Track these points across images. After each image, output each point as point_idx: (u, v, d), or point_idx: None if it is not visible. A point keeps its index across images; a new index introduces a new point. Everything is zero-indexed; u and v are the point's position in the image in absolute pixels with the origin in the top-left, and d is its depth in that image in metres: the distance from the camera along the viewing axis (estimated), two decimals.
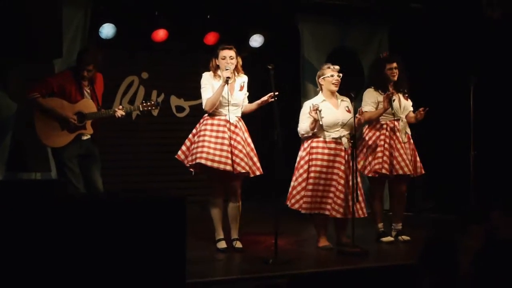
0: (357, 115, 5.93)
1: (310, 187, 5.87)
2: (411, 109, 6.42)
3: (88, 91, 5.85)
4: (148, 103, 6.01)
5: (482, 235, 4.06)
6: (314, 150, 5.91)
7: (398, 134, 6.26)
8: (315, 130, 5.88)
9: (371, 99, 6.27)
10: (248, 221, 6.22)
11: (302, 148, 6.02)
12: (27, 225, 4.03)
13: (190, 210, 6.48)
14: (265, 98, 5.78)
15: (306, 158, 5.93)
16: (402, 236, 6.32)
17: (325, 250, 5.97)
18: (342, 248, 5.92)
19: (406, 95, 6.33)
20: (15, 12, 4.28)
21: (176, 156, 5.91)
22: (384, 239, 6.30)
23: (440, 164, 7.16)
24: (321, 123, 5.83)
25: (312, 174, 5.88)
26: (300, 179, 5.93)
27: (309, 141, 5.96)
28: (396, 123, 6.29)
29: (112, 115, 5.85)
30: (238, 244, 5.88)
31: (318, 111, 5.78)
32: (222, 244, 5.86)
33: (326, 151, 5.90)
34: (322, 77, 5.99)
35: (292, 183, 6.00)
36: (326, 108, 5.86)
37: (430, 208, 7.90)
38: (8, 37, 4.28)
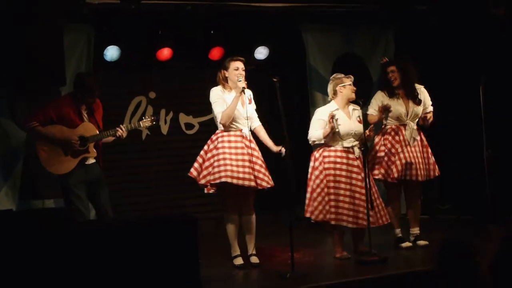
0: (366, 131, 5.88)
1: (332, 197, 5.80)
2: (430, 109, 6.35)
3: (86, 115, 5.81)
4: (149, 119, 5.96)
5: (501, 236, 3.99)
6: (327, 160, 5.86)
7: (402, 138, 6.20)
8: (327, 139, 5.83)
9: (375, 103, 6.24)
10: (262, 234, 6.19)
11: (313, 159, 5.96)
12: (39, 254, 4.03)
13: (205, 227, 6.50)
14: (274, 149, 5.81)
15: (320, 167, 5.87)
16: (420, 241, 6.26)
17: (343, 260, 5.92)
18: (360, 257, 5.87)
19: (417, 100, 6.25)
20: (16, 42, 4.29)
21: (189, 174, 5.88)
22: (403, 245, 6.25)
23: (455, 165, 7.09)
24: (337, 130, 5.77)
25: (331, 184, 5.82)
26: (318, 190, 5.85)
27: (320, 151, 5.92)
28: (401, 127, 6.23)
29: (113, 135, 5.81)
30: (255, 259, 5.84)
31: (335, 120, 5.72)
32: (239, 261, 5.82)
33: (338, 159, 5.85)
34: (342, 85, 5.94)
35: (309, 195, 5.93)
36: (340, 118, 5.83)
37: (447, 209, 7.82)
38: (10, 67, 4.29)
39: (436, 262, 3.49)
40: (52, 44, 4.51)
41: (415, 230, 6.33)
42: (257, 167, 5.71)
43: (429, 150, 6.32)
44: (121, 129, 5.75)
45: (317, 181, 5.87)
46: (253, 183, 5.67)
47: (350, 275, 5.56)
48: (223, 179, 5.63)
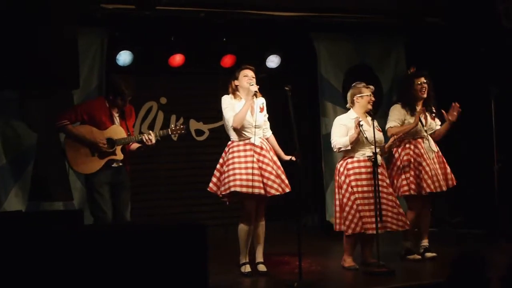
0: (390, 140, 5.90)
1: (360, 208, 5.79)
2: (438, 127, 6.35)
3: (118, 118, 5.88)
4: (178, 127, 5.98)
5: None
6: (352, 171, 5.85)
7: (422, 151, 6.18)
8: (353, 145, 5.82)
9: (396, 116, 6.22)
10: (271, 241, 6.17)
11: (337, 173, 5.95)
12: (48, 255, 4.03)
13: (213, 234, 6.50)
14: (285, 158, 5.86)
15: (347, 180, 5.85)
16: (428, 253, 6.23)
17: (351, 270, 5.90)
18: (368, 268, 5.85)
19: (433, 114, 6.25)
20: (30, 44, 4.30)
21: (208, 189, 5.88)
22: (411, 257, 6.22)
23: (465, 178, 7.05)
24: (365, 136, 5.77)
25: (357, 195, 5.80)
26: (350, 203, 5.82)
27: (344, 164, 5.90)
28: (419, 140, 6.22)
29: (140, 140, 5.84)
30: (262, 268, 5.83)
31: (360, 126, 5.72)
32: (247, 268, 5.81)
33: (363, 170, 5.84)
34: (359, 95, 5.94)
35: (338, 208, 5.89)
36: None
37: (457, 222, 7.79)
38: (25, 69, 4.30)
39: (448, 275, 3.48)
40: (67, 47, 4.50)
41: (425, 242, 6.31)
42: (266, 174, 5.71)
43: (444, 160, 6.31)
44: (149, 134, 5.78)
45: (347, 195, 5.84)
46: (262, 191, 5.67)
47: (357, 286, 5.54)
48: (232, 189, 5.65)
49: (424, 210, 6.34)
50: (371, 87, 5.99)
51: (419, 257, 6.23)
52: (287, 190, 5.82)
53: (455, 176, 6.35)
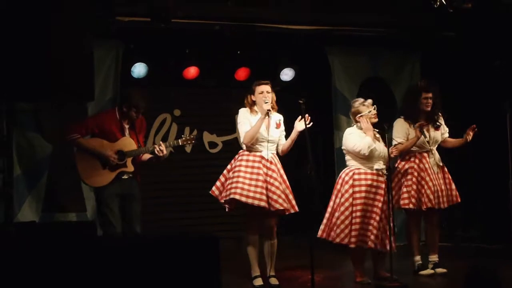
0: (391, 149, 5.86)
1: (357, 220, 5.76)
2: (447, 135, 6.33)
3: (128, 130, 5.89)
4: (189, 137, 6.00)
5: None
6: (357, 182, 5.83)
7: (427, 165, 6.16)
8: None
9: (401, 131, 6.19)
10: (283, 255, 6.17)
11: (340, 182, 5.93)
12: (61, 266, 4.04)
13: (226, 246, 6.50)
14: (295, 132, 5.79)
15: (350, 190, 5.83)
16: (438, 269, 6.20)
17: (364, 285, 5.86)
18: (380, 282, 5.82)
19: (438, 124, 6.23)
20: (46, 56, 4.33)
21: (210, 192, 5.91)
22: (423, 272, 6.18)
23: (480, 193, 7.02)
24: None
25: (356, 207, 5.78)
26: (347, 213, 5.80)
27: (350, 174, 5.87)
28: (425, 154, 6.19)
29: (152, 151, 5.86)
30: (274, 281, 5.82)
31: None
32: (258, 282, 5.80)
33: (369, 182, 5.82)
34: (359, 115, 5.91)
35: (334, 217, 5.86)
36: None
37: (470, 237, 7.74)
38: (40, 81, 4.33)
39: None
40: (82, 59, 4.53)
41: (434, 258, 6.27)
42: (273, 188, 5.70)
43: (450, 176, 6.27)
44: (160, 145, 5.79)
45: (346, 204, 5.81)
46: (263, 203, 5.65)
47: None
48: (232, 196, 5.67)
49: (432, 226, 6.31)
50: (369, 100, 5.91)
51: (432, 271, 6.19)
52: (293, 211, 5.79)
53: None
